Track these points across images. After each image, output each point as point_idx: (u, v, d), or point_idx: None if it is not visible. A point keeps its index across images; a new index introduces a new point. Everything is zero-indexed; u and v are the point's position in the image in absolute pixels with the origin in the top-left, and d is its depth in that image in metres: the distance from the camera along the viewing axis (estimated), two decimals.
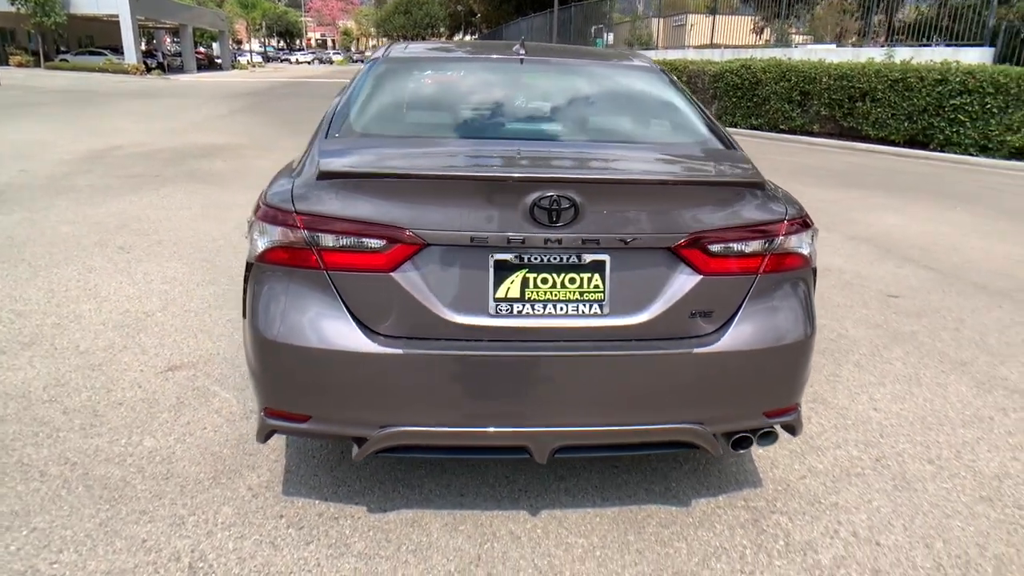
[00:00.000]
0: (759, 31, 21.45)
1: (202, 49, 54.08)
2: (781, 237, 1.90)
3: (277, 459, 2.45)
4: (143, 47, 38.83)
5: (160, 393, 2.90)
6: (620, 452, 2.01)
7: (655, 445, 2.02)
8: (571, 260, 1.81)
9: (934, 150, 11.92)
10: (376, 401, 1.83)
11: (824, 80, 13.37)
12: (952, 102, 11.51)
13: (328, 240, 1.79)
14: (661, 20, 26.23)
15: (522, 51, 2.73)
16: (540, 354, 1.80)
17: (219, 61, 52.53)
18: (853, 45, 16.56)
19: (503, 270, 1.81)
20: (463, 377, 1.82)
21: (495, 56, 2.78)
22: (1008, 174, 10.24)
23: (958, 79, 11.37)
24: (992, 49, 12.43)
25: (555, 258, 1.81)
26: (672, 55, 19.84)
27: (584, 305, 1.83)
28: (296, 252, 1.82)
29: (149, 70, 36.56)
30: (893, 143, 12.54)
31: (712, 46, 21.05)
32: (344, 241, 1.78)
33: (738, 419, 1.95)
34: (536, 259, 1.81)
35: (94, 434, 2.57)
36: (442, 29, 59.82)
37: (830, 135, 13.65)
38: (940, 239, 5.95)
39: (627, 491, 2.33)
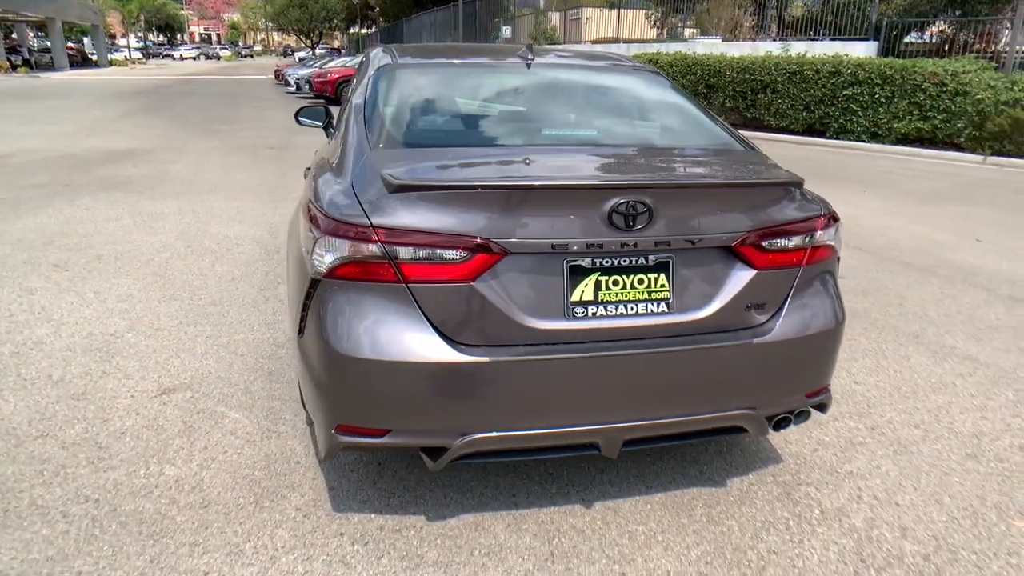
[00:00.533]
0: (659, 25, 22.32)
1: (72, 44, 50.05)
2: (820, 231, 2.06)
3: (315, 477, 2.39)
4: (3, 43, 35.45)
5: (163, 418, 2.75)
6: (679, 441, 2.11)
7: (708, 432, 2.14)
8: (640, 261, 1.89)
9: (830, 138, 12.85)
10: (460, 410, 1.84)
11: (728, 74, 14.11)
12: (845, 92, 12.44)
13: (408, 253, 1.78)
14: (559, 14, 26.79)
15: (530, 56, 2.77)
16: (613, 353, 1.87)
17: (94, 57, 48.83)
18: (744, 40, 17.56)
19: (577, 274, 1.86)
20: (543, 380, 1.86)
21: (507, 61, 2.81)
22: (897, 158, 11.21)
23: (849, 71, 12.31)
24: (876, 43, 13.53)
25: (625, 260, 1.88)
26: (578, 50, 20.24)
27: (652, 304, 1.92)
28: (373, 266, 1.80)
29: (14, 67, 33.54)
30: (793, 132, 13.41)
31: (616, 40, 21.70)
32: (425, 253, 1.78)
33: (784, 402, 2.10)
34: (608, 262, 1.87)
35: (106, 467, 2.42)
36: (336, 22, 58.21)
37: (734, 126, 14.40)
38: (861, 222, 6.47)
39: (666, 477, 2.45)
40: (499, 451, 1.97)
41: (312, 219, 1.95)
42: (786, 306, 2.04)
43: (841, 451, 2.65)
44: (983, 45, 15.78)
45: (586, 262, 1.86)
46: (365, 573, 1.96)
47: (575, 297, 1.87)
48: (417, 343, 1.80)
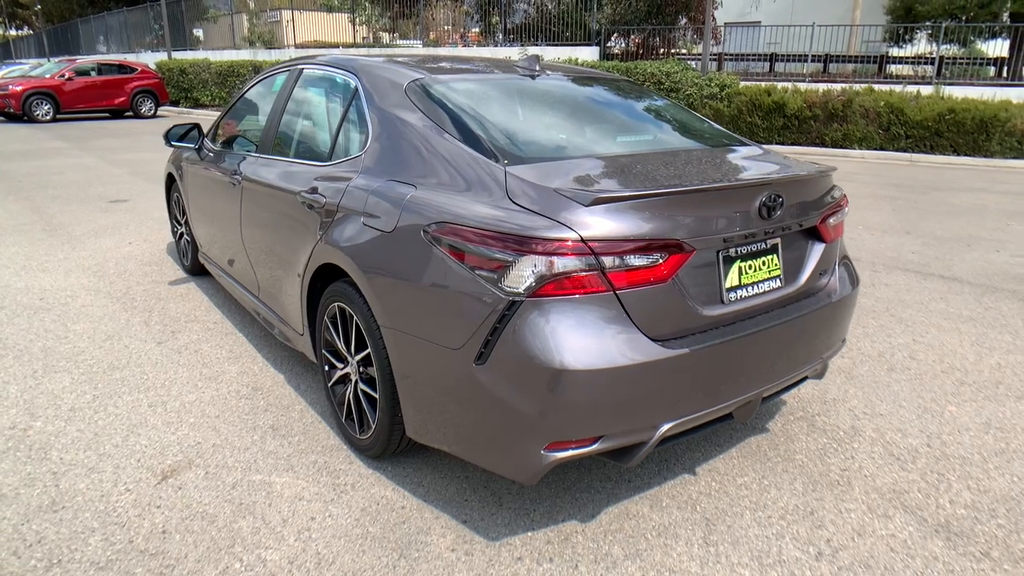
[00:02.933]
0: (373, 31, 22.52)
1: None
2: (846, 208, 2.55)
3: (436, 517, 2.26)
4: None
5: (197, 504, 2.31)
6: (780, 395, 2.44)
7: (793, 384, 2.50)
8: (763, 246, 2.18)
9: None
10: (659, 403, 1.95)
11: None
12: None
13: (615, 262, 1.83)
14: (256, 16, 25.66)
15: (536, 67, 2.87)
16: (757, 329, 2.14)
17: None
18: (470, 45, 18.73)
19: (727, 263, 2.09)
20: (718, 362, 2.05)
21: (518, 73, 2.87)
22: None
23: None
24: (597, 47, 15.46)
25: (755, 246, 2.16)
26: (276, 54, 19.54)
27: (771, 281, 2.23)
28: (582, 279, 1.82)
29: None
30: None
31: (322, 44, 21.41)
32: (632, 260, 1.85)
33: (833, 350, 2.57)
34: (745, 249, 2.13)
35: (187, 573, 2.00)
36: None
37: None
38: None
39: (724, 437, 2.80)
40: (671, 437, 2.11)
41: (490, 242, 1.87)
42: (836, 271, 2.50)
43: (820, 390, 3.26)
44: (667, 49, 18.99)
45: (733, 251, 2.10)
46: None
47: (728, 283, 2.09)
48: (629, 346, 1.87)
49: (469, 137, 2.22)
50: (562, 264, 1.81)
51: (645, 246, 1.87)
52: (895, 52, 20.90)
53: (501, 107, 2.58)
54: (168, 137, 4.04)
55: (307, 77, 3.19)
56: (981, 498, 2.40)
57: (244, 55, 20.94)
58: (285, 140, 3.18)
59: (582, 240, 1.81)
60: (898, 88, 12.50)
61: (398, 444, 2.39)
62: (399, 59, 2.94)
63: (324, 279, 2.67)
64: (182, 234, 4.79)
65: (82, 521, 2.21)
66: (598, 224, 1.83)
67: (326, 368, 2.75)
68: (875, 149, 12.05)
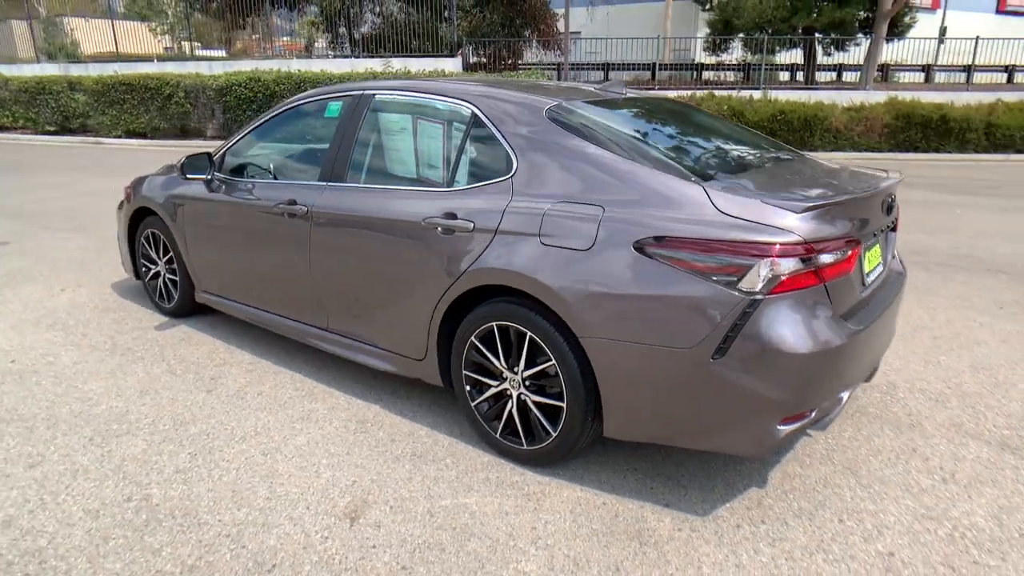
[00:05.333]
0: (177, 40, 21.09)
1: None
2: None
3: (635, 505, 2.47)
4: None
5: (418, 536, 2.31)
6: None
7: None
8: (878, 237, 2.65)
9: None
10: (844, 374, 2.32)
11: None
12: None
13: (826, 258, 2.18)
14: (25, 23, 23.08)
15: (624, 91, 3.13)
16: (887, 303, 2.60)
17: None
18: (322, 56, 18.24)
19: (866, 252, 2.52)
20: (871, 335, 2.46)
21: (616, 97, 3.10)
22: None
23: None
24: (460, 59, 15.78)
25: (875, 238, 2.61)
26: (97, 69, 17.77)
27: (880, 265, 2.70)
28: (804, 275, 2.14)
29: None
30: None
31: (115, 57, 19.76)
32: (834, 256, 2.20)
33: None
34: (871, 241, 2.58)
35: None
36: None
37: None
38: None
39: None
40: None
41: (723, 250, 2.12)
42: (896, 253, 3.06)
43: None
44: (514, 60, 19.79)
45: (869, 242, 2.53)
46: (806, 536, 2.28)
47: (866, 269, 2.53)
48: (835, 328, 2.22)
49: (649, 159, 2.45)
50: (790, 264, 2.12)
51: (841, 243, 2.23)
52: (711, 60, 23.52)
53: (643, 131, 2.82)
54: (185, 169, 3.74)
55: (384, 104, 3.19)
56: (1010, 420, 3.07)
57: (52, 70, 18.57)
58: (369, 168, 3.15)
59: (804, 242, 2.13)
60: (735, 93, 14.20)
61: (576, 447, 2.55)
62: (478, 83, 3.06)
63: (466, 302, 2.74)
64: (158, 274, 4.41)
65: (308, 574, 2.14)
66: (810, 228, 2.17)
67: (468, 388, 2.81)
68: None
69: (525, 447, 2.67)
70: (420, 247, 2.81)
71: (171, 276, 4.32)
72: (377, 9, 18.09)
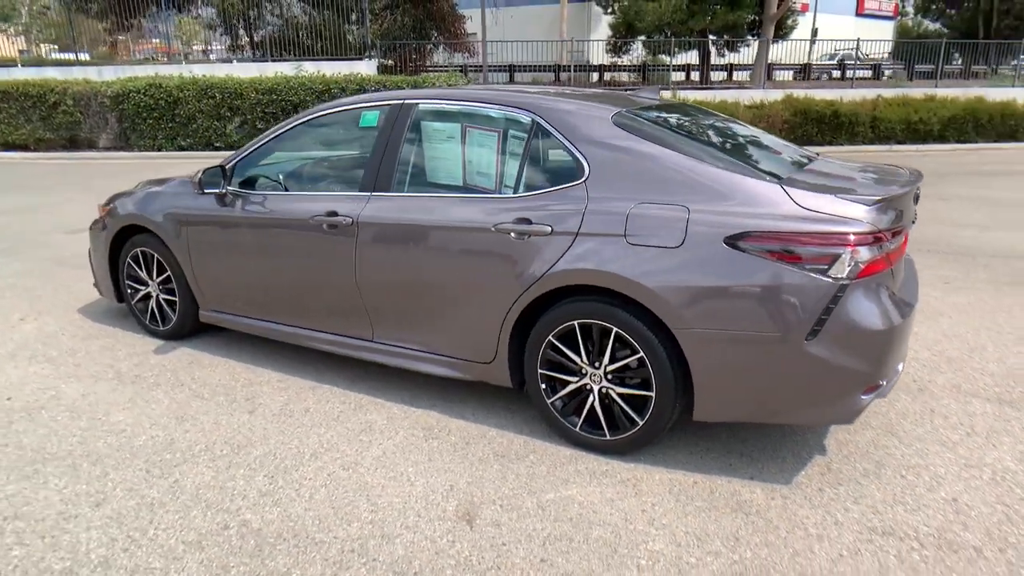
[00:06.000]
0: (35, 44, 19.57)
1: None
2: None
3: (724, 481, 2.67)
4: None
5: (539, 529, 2.40)
6: None
7: None
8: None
9: None
10: (902, 348, 2.62)
11: (254, 95, 14.03)
12: None
13: (890, 245, 2.46)
14: None
15: (656, 96, 3.32)
16: (912, 287, 2.94)
17: None
18: (224, 61, 17.43)
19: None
20: (913, 314, 2.78)
21: (655, 103, 3.28)
22: None
23: (372, 88, 13.97)
24: (376, 62, 15.54)
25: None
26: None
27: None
28: (879, 260, 2.41)
29: None
30: None
31: None
32: (895, 243, 2.49)
33: None
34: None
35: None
36: None
37: None
38: None
39: None
40: None
41: (813, 242, 2.35)
42: None
43: None
44: (422, 62, 19.74)
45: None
46: (881, 492, 2.57)
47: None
48: (900, 306, 2.51)
49: (721, 160, 2.65)
50: (870, 251, 2.38)
51: (899, 230, 2.53)
52: (607, 61, 24.42)
53: (696, 134, 3.02)
54: (203, 185, 3.58)
55: (429, 113, 3.22)
56: (995, 378, 3.53)
57: None
58: (419, 177, 3.18)
59: (877, 231, 2.40)
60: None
61: (661, 433, 2.72)
62: (527, 92, 3.17)
63: (540, 303, 2.85)
64: (148, 296, 4.18)
65: None
66: (879, 219, 2.44)
67: (543, 387, 2.91)
68: None
69: (608, 437, 2.81)
70: (490, 253, 2.88)
71: (167, 297, 4.10)
72: (277, 11, 17.48)
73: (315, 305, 3.47)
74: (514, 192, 2.92)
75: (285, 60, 16.29)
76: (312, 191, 3.51)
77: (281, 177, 3.69)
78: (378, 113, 3.35)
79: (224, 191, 3.63)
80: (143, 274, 4.16)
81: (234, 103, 14.11)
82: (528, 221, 2.80)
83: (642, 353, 2.64)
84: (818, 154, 3.48)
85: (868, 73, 23.84)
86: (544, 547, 2.31)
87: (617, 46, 21.10)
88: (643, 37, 20.31)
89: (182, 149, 14.36)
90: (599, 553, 2.28)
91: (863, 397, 2.47)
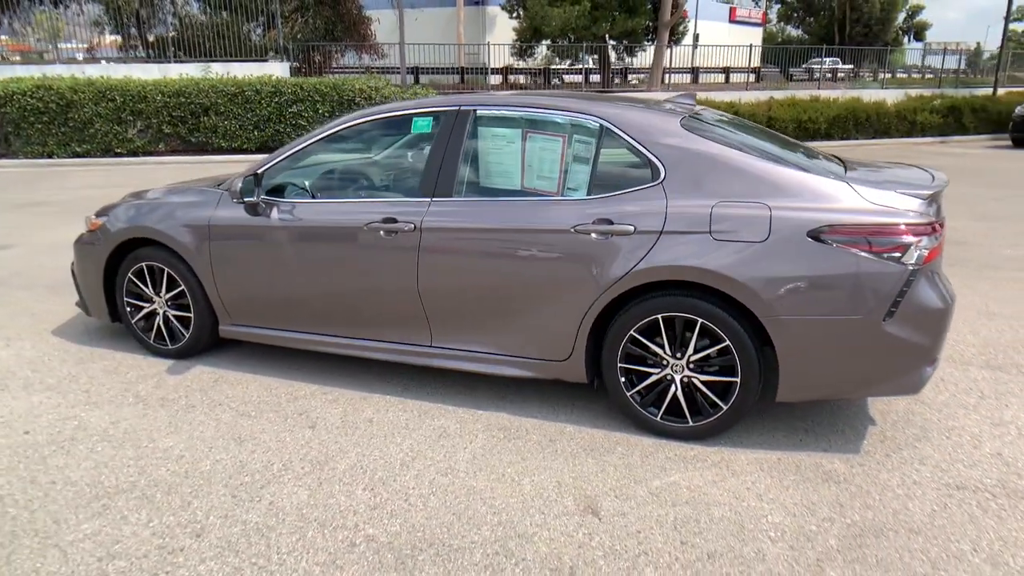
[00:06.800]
0: None
1: None
2: None
3: (805, 455, 2.91)
4: None
5: (663, 515, 2.52)
6: None
7: None
8: None
9: None
10: (949, 325, 2.96)
11: (159, 98, 13.14)
12: (291, 110, 13.60)
13: (941, 234, 2.77)
14: None
15: (693, 103, 3.52)
16: None
17: None
18: (110, 61, 16.16)
19: None
20: None
21: (693, 108, 3.45)
22: None
23: (290, 90, 13.48)
24: (288, 63, 14.97)
25: None
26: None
27: None
28: (936, 247, 2.71)
29: None
30: (247, 151, 13.78)
31: None
32: (943, 233, 2.81)
33: None
34: None
35: None
36: None
37: (181, 152, 13.67)
38: None
39: None
40: None
41: (886, 233, 2.62)
42: None
43: None
44: (327, 65, 19.21)
45: None
46: (938, 453, 2.89)
47: None
48: (948, 289, 2.83)
49: (787, 161, 2.89)
50: (932, 240, 2.69)
51: (942, 222, 2.86)
52: (499, 64, 24.79)
53: (750, 136, 3.23)
54: (243, 194, 3.40)
55: (490, 119, 3.24)
56: (976, 348, 4.02)
57: None
58: (483, 182, 3.21)
59: (934, 222, 2.71)
60: None
61: (744, 416, 2.93)
62: (589, 100, 3.28)
63: (620, 300, 2.97)
64: (152, 313, 3.92)
65: (608, 569, 2.27)
66: (932, 211, 2.75)
67: (623, 380, 3.04)
68: None
69: (691, 424, 2.97)
70: (569, 253, 2.96)
71: (177, 313, 3.86)
72: (172, 9, 16.45)
73: (367, 313, 3.40)
74: (586, 195, 3.02)
75: (189, 61, 15.36)
76: (359, 198, 3.44)
77: (315, 184, 3.59)
78: (431, 119, 3.34)
79: (258, 200, 3.48)
80: (148, 290, 3.89)
81: (137, 106, 13.16)
82: (609, 221, 2.91)
83: (727, 342, 2.82)
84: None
85: (752, 77, 25.66)
86: (677, 530, 2.44)
87: (523, 49, 21.49)
88: (547, 41, 20.79)
89: (78, 155, 13.23)
90: (729, 530, 2.44)
91: (928, 369, 2.78)
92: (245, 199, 3.44)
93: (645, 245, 2.86)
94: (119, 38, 16.64)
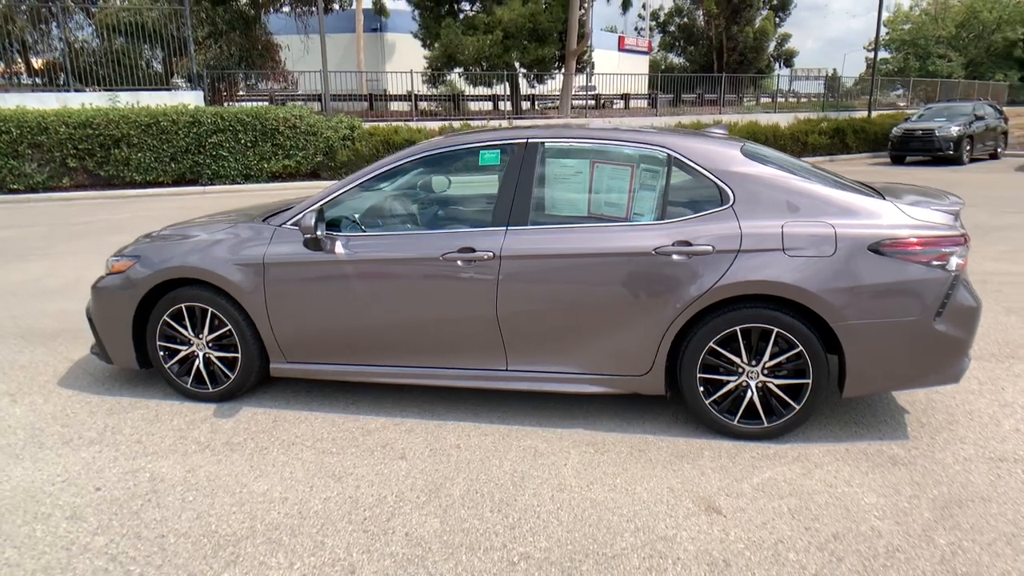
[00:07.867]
0: None
1: None
2: None
3: (862, 446, 3.27)
4: None
5: (775, 507, 2.78)
6: None
7: None
8: None
9: (205, 184, 13.29)
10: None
11: (63, 130, 12.23)
12: (211, 140, 13.06)
13: (968, 246, 3.24)
14: None
15: (725, 132, 3.87)
16: None
17: None
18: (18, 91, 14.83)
19: None
20: None
21: (730, 135, 3.79)
22: (276, 193, 12.90)
23: (210, 120, 12.95)
24: (201, 92, 14.35)
25: None
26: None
27: None
28: (966, 257, 3.18)
29: None
30: (163, 184, 13.09)
31: None
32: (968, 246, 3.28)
33: None
34: None
35: None
36: None
37: (88, 187, 12.76)
38: None
39: None
40: None
41: (932, 245, 3.04)
42: None
43: None
44: (232, 92, 18.55)
45: None
46: (973, 433, 3.33)
47: None
48: (975, 291, 3.31)
49: (838, 184, 3.28)
50: (965, 250, 3.14)
51: (968, 235, 3.34)
52: (399, 91, 24.94)
53: (799, 164, 3.59)
54: (311, 230, 3.35)
55: (558, 151, 3.43)
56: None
57: None
58: (556, 210, 3.39)
59: (964, 234, 3.17)
60: (482, 122, 15.62)
61: (812, 414, 3.26)
62: (649, 131, 3.56)
63: (699, 315, 3.23)
64: (188, 356, 3.78)
65: (755, 559, 2.49)
66: (959, 225, 3.22)
67: (701, 389, 3.29)
68: None
69: (765, 425, 3.26)
70: (650, 274, 3.20)
71: (219, 354, 3.74)
72: (60, 34, 15.37)
73: (441, 342, 3.46)
74: (661, 219, 3.27)
75: (87, 90, 14.37)
76: (428, 229, 3.51)
77: (377, 218, 3.63)
78: (499, 152, 3.48)
79: (322, 235, 3.46)
80: (186, 332, 3.74)
81: (37, 139, 12.18)
82: (688, 243, 3.17)
83: (800, 348, 3.15)
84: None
85: (644, 103, 27.21)
86: (795, 518, 2.70)
87: (435, 77, 21.72)
88: (460, 69, 21.15)
89: None
90: (839, 514, 2.72)
91: (966, 360, 3.22)
92: (317, 233, 3.41)
93: (724, 263, 3.14)
94: (0, 65, 15.29)
